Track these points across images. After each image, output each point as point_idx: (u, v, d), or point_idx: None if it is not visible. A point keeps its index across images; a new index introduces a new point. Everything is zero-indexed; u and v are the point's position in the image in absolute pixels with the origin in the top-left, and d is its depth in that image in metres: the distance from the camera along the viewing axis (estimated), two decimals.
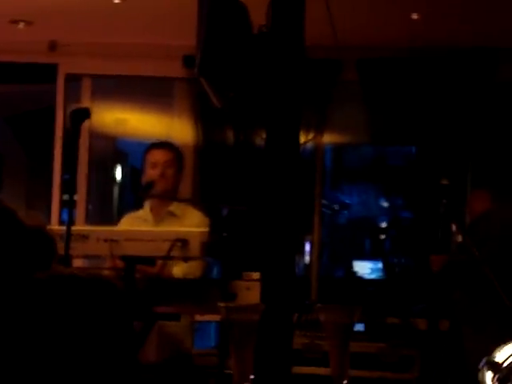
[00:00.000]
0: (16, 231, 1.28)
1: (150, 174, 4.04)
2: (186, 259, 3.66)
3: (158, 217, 4.09)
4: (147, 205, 4.16)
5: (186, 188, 5.20)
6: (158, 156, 4.09)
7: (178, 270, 3.77)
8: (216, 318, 4.14)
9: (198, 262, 3.86)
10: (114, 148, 6.07)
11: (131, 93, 5.44)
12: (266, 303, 2.21)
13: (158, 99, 5.53)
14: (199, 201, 4.34)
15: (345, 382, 1.91)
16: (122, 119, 5.47)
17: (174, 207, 4.09)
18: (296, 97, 2.84)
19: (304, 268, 6.40)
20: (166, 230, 3.71)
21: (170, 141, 4.21)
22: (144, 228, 3.89)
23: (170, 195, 4.08)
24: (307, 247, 6.17)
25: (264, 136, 2.95)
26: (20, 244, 1.27)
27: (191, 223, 3.86)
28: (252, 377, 1.86)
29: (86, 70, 5.14)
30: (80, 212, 5.53)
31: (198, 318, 4.29)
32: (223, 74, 2.78)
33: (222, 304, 1.89)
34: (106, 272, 3.50)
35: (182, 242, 3.64)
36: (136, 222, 4.10)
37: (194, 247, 3.71)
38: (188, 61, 4.95)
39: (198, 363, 4.17)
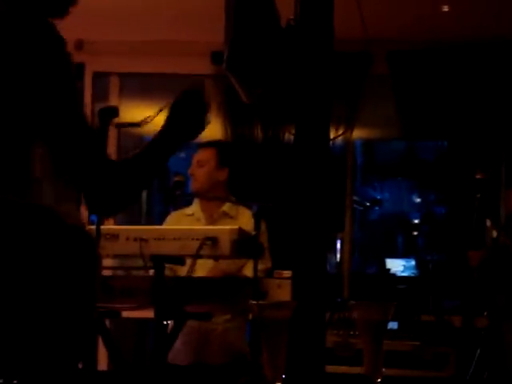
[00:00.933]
0: (58, 230, 1.27)
1: (190, 171, 4.10)
2: (215, 258, 3.64)
3: (211, 218, 4.08)
4: (196, 204, 4.15)
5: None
6: (196, 155, 4.07)
7: (248, 271, 3.75)
8: (247, 316, 4.12)
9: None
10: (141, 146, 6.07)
11: (159, 90, 5.44)
12: (298, 301, 2.17)
13: None
14: (228, 199, 4.32)
15: (379, 380, 1.89)
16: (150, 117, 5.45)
17: (228, 208, 4.08)
18: (326, 91, 2.80)
19: (335, 265, 6.35)
20: (196, 228, 3.70)
21: (209, 139, 4.17)
22: (174, 226, 3.88)
23: (205, 194, 4.06)
24: (338, 244, 6.13)
25: (293, 132, 2.92)
26: (62, 242, 1.27)
27: (245, 224, 3.84)
28: (284, 375, 1.84)
29: (114, 68, 5.14)
30: None
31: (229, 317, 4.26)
32: (251, 69, 2.74)
33: (253, 302, 1.87)
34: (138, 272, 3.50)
35: (212, 240, 3.62)
36: (185, 220, 4.09)
37: (224, 246, 3.68)
38: (216, 57, 4.93)
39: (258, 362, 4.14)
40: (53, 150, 1.80)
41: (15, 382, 1.28)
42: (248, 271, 3.76)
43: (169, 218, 4.19)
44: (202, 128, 2.10)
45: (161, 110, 2.16)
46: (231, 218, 4.04)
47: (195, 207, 4.15)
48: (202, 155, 4.10)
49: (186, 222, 4.07)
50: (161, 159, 2.02)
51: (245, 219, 3.96)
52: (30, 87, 1.78)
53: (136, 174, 1.97)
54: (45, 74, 1.79)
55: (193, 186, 4.06)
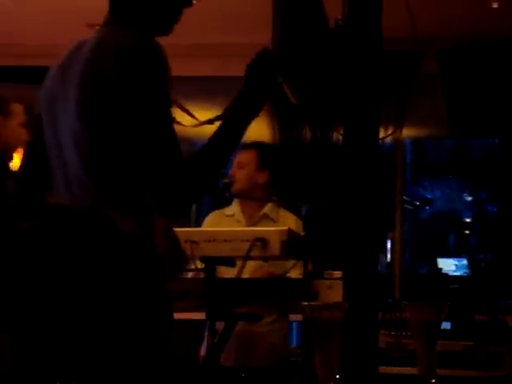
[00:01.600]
0: (113, 237, 1.29)
1: (230, 173, 4.08)
2: (265, 259, 3.64)
3: (252, 220, 4.08)
4: (237, 205, 4.15)
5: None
6: (236, 157, 4.08)
7: (296, 272, 3.76)
8: (297, 317, 4.13)
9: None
10: (193, 150, 6.10)
11: (208, 94, 5.46)
12: (350, 302, 2.16)
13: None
14: (278, 200, 4.32)
15: (433, 381, 1.88)
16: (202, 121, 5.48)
17: (269, 210, 4.08)
18: (375, 91, 2.79)
19: (386, 266, 6.32)
20: (245, 229, 3.71)
21: (251, 140, 4.18)
22: (224, 228, 3.89)
23: (247, 195, 4.07)
24: (389, 244, 6.09)
25: (342, 132, 2.91)
26: (117, 250, 1.29)
27: (287, 226, 3.84)
28: (338, 376, 1.84)
29: None
30: None
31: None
32: (300, 70, 2.74)
33: (305, 303, 1.87)
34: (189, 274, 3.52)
35: (262, 241, 3.62)
36: (225, 221, 4.10)
37: (274, 247, 3.69)
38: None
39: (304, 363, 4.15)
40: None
41: None
42: (293, 273, 3.76)
43: (208, 218, 4.19)
44: (273, 87, 2.27)
45: (227, 110, 2.24)
46: (272, 220, 4.04)
47: (235, 208, 4.14)
48: (242, 157, 4.09)
49: (226, 222, 4.07)
50: (239, 128, 2.16)
51: (286, 222, 3.96)
52: (135, 112, 2.03)
53: (212, 153, 2.12)
54: (147, 103, 2.04)
55: (234, 187, 4.06)
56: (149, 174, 2.03)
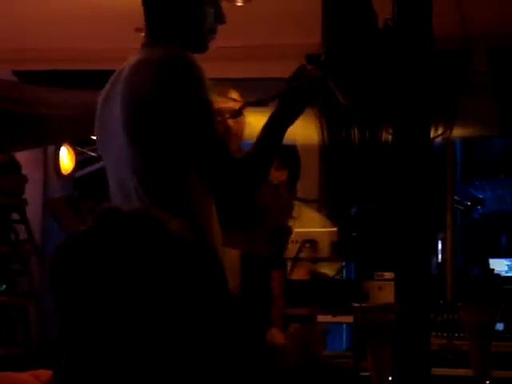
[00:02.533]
0: (162, 239, 1.31)
1: None
2: (314, 261, 3.64)
3: None
4: None
5: (312, 188, 5.19)
6: None
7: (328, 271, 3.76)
8: (347, 319, 4.11)
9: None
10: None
11: (256, 95, 5.46)
12: (402, 303, 2.15)
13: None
14: (326, 200, 4.31)
15: (487, 382, 1.86)
16: (250, 122, 5.50)
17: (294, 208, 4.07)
18: (425, 90, 2.77)
19: (438, 267, 6.26)
20: (295, 231, 3.71)
21: None
22: None
23: (285, 193, 4.07)
24: (440, 245, 6.03)
25: (391, 132, 2.89)
26: (165, 251, 1.30)
27: (308, 225, 3.84)
28: (390, 378, 1.82)
29: (211, 74, 5.19)
30: None
31: (330, 319, 4.25)
32: (349, 70, 2.74)
33: (356, 304, 1.86)
34: None
35: (311, 242, 3.62)
36: None
37: (324, 248, 3.68)
38: (310, 59, 4.92)
39: (331, 366, 4.14)
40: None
41: None
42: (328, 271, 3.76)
43: None
44: (315, 99, 2.40)
45: (279, 94, 2.32)
46: (293, 218, 4.04)
47: None
48: None
49: None
50: (281, 132, 2.27)
51: (308, 220, 3.95)
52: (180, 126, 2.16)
53: (260, 153, 2.22)
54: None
55: None
56: (201, 177, 2.14)
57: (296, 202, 4.09)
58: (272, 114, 2.29)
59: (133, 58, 2.23)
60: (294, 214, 4.06)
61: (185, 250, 1.29)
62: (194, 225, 1.84)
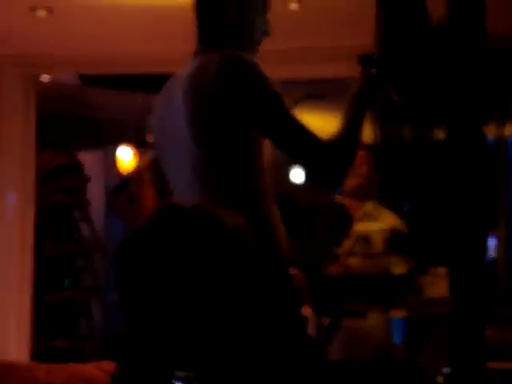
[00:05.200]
0: (218, 233, 1.33)
1: None
2: (368, 256, 3.68)
3: (354, 218, 4.11)
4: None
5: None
6: None
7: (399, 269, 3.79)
8: (401, 313, 4.13)
9: None
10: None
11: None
12: (457, 297, 2.21)
13: (334, 100, 5.54)
14: (380, 198, 4.35)
15: None
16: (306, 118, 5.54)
17: (371, 208, 4.08)
18: (478, 89, 2.80)
19: (490, 262, 6.25)
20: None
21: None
22: None
23: (364, 193, 4.08)
24: (493, 242, 6.02)
25: (443, 130, 2.93)
26: (221, 246, 1.32)
27: (387, 225, 3.86)
28: (445, 370, 1.87)
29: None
30: None
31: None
32: (402, 69, 2.78)
33: (411, 298, 1.91)
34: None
35: (364, 239, 3.68)
36: None
37: (377, 244, 3.73)
38: (364, 60, 4.93)
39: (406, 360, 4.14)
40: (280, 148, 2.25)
41: (192, 374, 1.35)
42: (397, 269, 3.78)
43: None
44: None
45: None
46: (374, 218, 4.05)
47: None
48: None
49: None
50: (364, 109, 2.35)
51: (387, 220, 3.97)
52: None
53: (348, 134, 2.29)
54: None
55: (350, 183, 4.06)
56: (297, 164, 2.22)
57: (372, 203, 4.10)
58: (353, 93, 2.36)
59: (190, 66, 2.28)
60: (375, 213, 4.08)
61: (243, 243, 1.34)
62: (255, 219, 1.88)
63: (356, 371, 3.92)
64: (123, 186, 3.66)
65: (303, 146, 2.19)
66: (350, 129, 2.28)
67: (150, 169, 3.66)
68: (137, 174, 3.58)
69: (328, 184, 2.32)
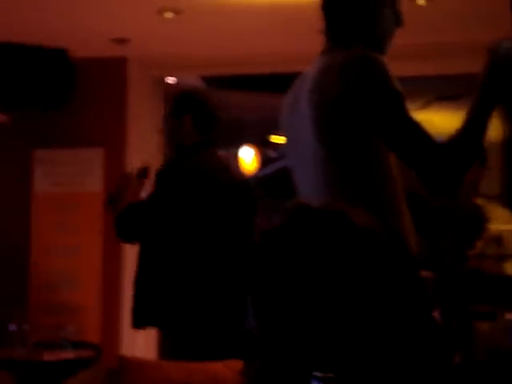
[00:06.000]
0: (348, 232, 1.32)
1: None
2: (500, 258, 3.59)
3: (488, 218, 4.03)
4: None
5: (493, 184, 5.06)
6: None
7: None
8: None
9: None
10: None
11: (443, 92, 5.40)
12: None
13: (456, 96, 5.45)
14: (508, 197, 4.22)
15: None
16: (426, 119, 5.46)
17: (502, 208, 3.99)
18: None
19: None
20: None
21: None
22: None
23: (470, 190, 4.00)
24: None
25: None
26: (352, 244, 1.32)
27: (499, 221, 3.77)
28: None
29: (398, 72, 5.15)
30: None
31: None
32: None
33: None
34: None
35: (496, 239, 3.57)
36: None
37: (510, 245, 3.63)
38: (490, 52, 4.79)
39: None
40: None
41: (330, 375, 1.33)
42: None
43: None
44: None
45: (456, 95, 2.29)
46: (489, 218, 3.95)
47: None
48: None
49: None
50: (488, 110, 2.20)
51: (498, 217, 3.86)
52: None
53: (467, 137, 2.17)
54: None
55: None
56: (410, 167, 2.14)
57: (482, 200, 4.02)
58: (480, 89, 2.20)
59: (316, 65, 2.27)
60: (504, 213, 3.98)
61: (373, 241, 1.32)
62: (384, 220, 1.86)
63: (484, 375, 3.83)
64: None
65: (415, 149, 2.12)
66: (471, 129, 2.16)
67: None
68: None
69: (439, 192, 2.19)
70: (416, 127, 2.13)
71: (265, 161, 6.64)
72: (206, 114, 3.41)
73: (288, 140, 2.39)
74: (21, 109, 4.77)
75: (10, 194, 5.05)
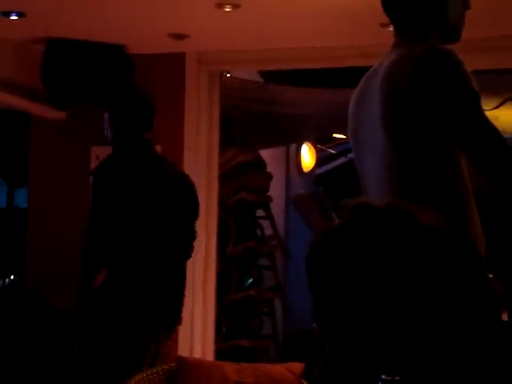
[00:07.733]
0: (412, 231, 1.29)
1: None
2: None
3: None
4: None
5: None
6: None
7: None
8: None
9: None
10: None
11: (501, 88, 5.29)
12: None
13: None
14: None
15: None
16: (494, 116, 5.35)
17: None
18: None
19: None
20: None
21: None
22: None
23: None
24: None
25: None
26: (416, 244, 1.28)
27: None
28: None
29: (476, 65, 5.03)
30: None
31: None
32: None
33: None
34: None
35: None
36: None
37: None
38: None
39: None
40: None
41: (397, 378, 1.28)
42: None
43: None
44: None
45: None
46: None
47: None
48: None
49: None
50: None
51: None
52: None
53: None
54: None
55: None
56: (477, 167, 2.11)
57: None
58: None
59: (389, 58, 2.23)
60: None
61: (438, 241, 1.29)
62: (453, 220, 1.81)
63: None
64: (315, 196, 3.72)
65: (488, 152, 2.08)
66: None
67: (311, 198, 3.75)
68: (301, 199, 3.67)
69: (509, 196, 2.13)
70: (490, 130, 2.09)
71: (324, 158, 6.57)
72: (133, 110, 3.71)
73: (355, 137, 2.34)
74: (78, 106, 4.79)
75: (70, 191, 5.06)
